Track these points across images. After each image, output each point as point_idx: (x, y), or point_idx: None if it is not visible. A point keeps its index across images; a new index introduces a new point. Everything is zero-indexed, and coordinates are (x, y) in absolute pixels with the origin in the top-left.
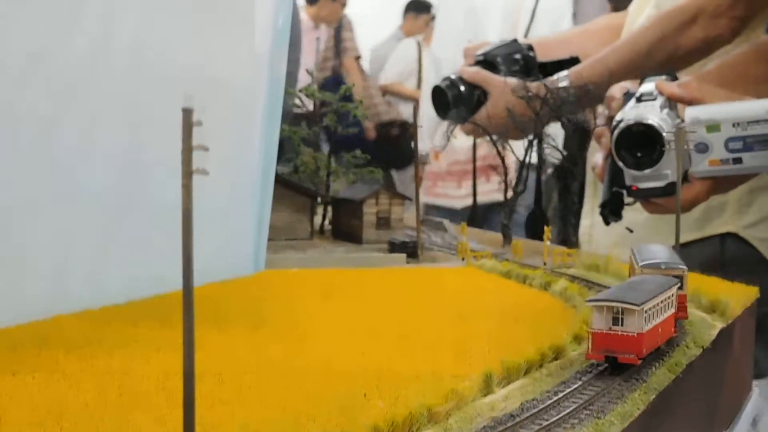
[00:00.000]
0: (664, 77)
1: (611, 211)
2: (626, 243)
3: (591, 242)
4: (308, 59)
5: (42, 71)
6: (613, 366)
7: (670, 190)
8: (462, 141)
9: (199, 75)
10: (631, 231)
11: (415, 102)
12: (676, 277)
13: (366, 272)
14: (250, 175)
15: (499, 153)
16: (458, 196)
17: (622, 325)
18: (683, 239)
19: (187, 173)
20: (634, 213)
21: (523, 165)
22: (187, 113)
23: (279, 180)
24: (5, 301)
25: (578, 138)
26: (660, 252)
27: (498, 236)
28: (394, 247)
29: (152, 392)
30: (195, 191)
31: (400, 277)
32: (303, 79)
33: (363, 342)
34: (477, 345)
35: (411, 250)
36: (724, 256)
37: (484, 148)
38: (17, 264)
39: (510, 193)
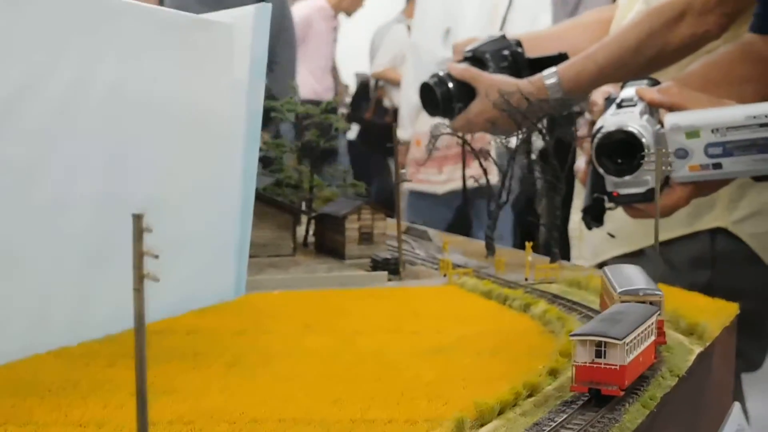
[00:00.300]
0: (645, 82)
1: (593, 217)
2: (616, 238)
3: (582, 238)
4: (325, 50)
5: (16, 117)
6: (597, 398)
7: (650, 195)
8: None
9: (179, 108)
10: (613, 236)
11: (394, 124)
12: (653, 303)
13: (345, 295)
14: (231, 201)
15: (479, 160)
16: (439, 182)
17: (604, 357)
18: (672, 235)
19: (139, 277)
20: (620, 213)
21: (505, 177)
22: (138, 219)
23: (261, 198)
24: None
25: (560, 152)
26: (635, 276)
27: (481, 246)
28: (377, 264)
29: None
30: (178, 215)
31: (379, 301)
32: (305, 82)
33: (338, 387)
34: (452, 384)
35: (393, 268)
36: (713, 251)
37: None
38: None
39: (492, 206)
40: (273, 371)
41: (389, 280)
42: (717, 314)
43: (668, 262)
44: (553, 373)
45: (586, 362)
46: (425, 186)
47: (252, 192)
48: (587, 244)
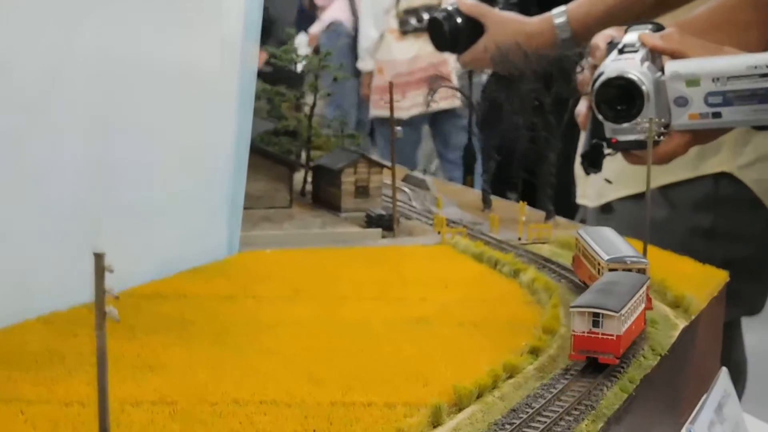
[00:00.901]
0: (648, 27)
1: (590, 163)
2: (619, 179)
3: (586, 178)
4: None
5: (3, 84)
6: (594, 365)
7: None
8: (403, 53)
9: (166, 68)
10: (610, 182)
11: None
12: (639, 271)
13: (336, 256)
14: (223, 159)
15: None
16: (404, 108)
17: (601, 327)
18: (677, 178)
19: (101, 315)
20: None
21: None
22: (99, 257)
23: (257, 150)
24: None
25: (558, 107)
26: (619, 243)
27: (477, 197)
28: (371, 221)
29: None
30: (168, 176)
31: (368, 263)
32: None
33: (320, 363)
34: (432, 361)
35: (387, 224)
36: (717, 195)
37: (424, 59)
38: None
39: (490, 161)
40: (258, 344)
41: (383, 237)
42: (705, 283)
43: (671, 204)
44: (535, 351)
45: (584, 332)
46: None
47: (246, 150)
48: (591, 184)
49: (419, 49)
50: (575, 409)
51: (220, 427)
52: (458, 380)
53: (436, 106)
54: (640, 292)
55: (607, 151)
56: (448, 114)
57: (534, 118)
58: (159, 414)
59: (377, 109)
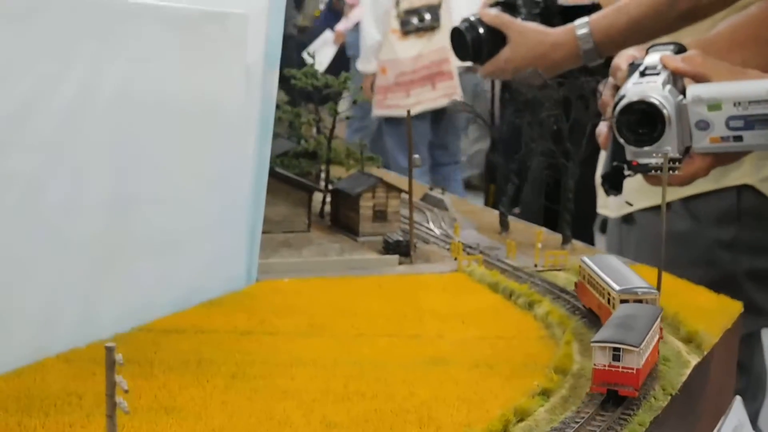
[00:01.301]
0: (671, 48)
1: (611, 185)
2: (642, 190)
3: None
4: None
5: (25, 129)
6: (614, 399)
7: (670, 165)
8: (406, 52)
9: (190, 104)
10: (631, 204)
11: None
12: (649, 302)
13: (353, 285)
14: (242, 190)
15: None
16: (406, 105)
17: (621, 361)
18: (699, 190)
19: (111, 405)
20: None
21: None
22: (110, 351)
23: (276, 175)
24: None
25: (574, 133)
26: (628, 273)
27: (495, 219)
28: (388, 247)
29: None
30: (188, 209)
31: (385, 295)
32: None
33: (334, 407)
34: (445, 405)
35: (404, 251)
36: (740, 207)
37: (427, 57)
38: (5, 313)
39: (509, 185)
40: (273, 386)
41: (400, 264)
42: (719, 315)
43: (694, 216)
44: (546, 392)
45: (604, 365)
46: (393, 111)
47: (265, 179)
48: (612, 198)
49: (422, 48)
50: None
51: None
52: (470, 425)
53: (438, 104)
54: (656, 324)
55: (627, 172)
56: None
57: (552, 144)
58: None
59: (381, 109)
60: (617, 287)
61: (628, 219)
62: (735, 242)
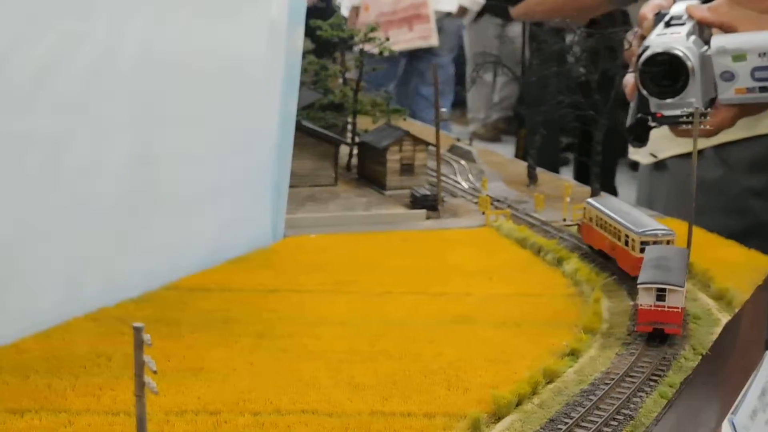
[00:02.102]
0: None
1: (635, 137)
2: (673, 138)
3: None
4: None
5: (47, 88)
6: (660, 336)
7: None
8: None
9: (213, 58)
10: (656, 157)
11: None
12: (669, 243)
13: (380, 241)
14: (268, 145)
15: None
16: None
17: (666, 301)
18: (732, 137)
19: (140, 385)
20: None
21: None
22: (138, 331)
23: (302, 128)
24: (20, 313)
25: (604, 86)
26: (636, 214)
27: (523, 170)
28: (416, 201)
29: None
30: (213, 165)
31: (412, 251)
32: None
33: (360, 368)
34: (473, 368)
35: (431, 205)
36: None
37: (407, 0)
38: (32, 275)
39: (536, 137)
40: (300, 346)
41: (427, 218)
42: (749, 271)
43: (726, 164)
44: (575, 353)
45: (651, 305)
46: (374, 48)
47: (291, 134)
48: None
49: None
50: (614, 419)
51: None
52: (498, 386)
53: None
54: (687, 265)
55: (652, 124)
56: (425, 52)
57: (580, 96)
58: (202, 425)
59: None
60: (638, 229)
61: (659, 165)
62: (767, 190)
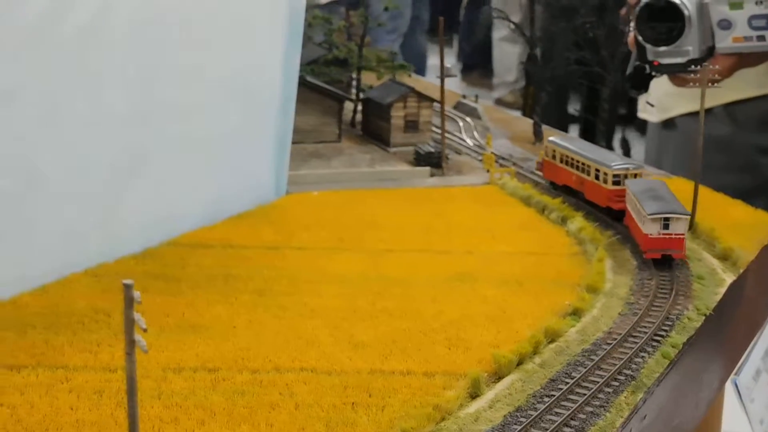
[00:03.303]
0: None
1: (633, 84)
2: (683, 93)
3: (648, 92)
4: None
5: (44, 42)
6: (666, 261)
7: (690, 66)
8: None
9: (213, 10)
10: (652, 105)
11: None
12: (637, 176)
13: (383, 198)
14: (270, 100)
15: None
16: None
17: (670, 229)
18: (741, 95)
19: (130, 342)
20: None
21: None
22: (128, 288)
23: (307, 84)
24: (19, 268)
25: (611, 42)
26: (602, 151)
27: (529, 127)
28: (420, 158)
29: (146, 399)
30: (214, 117)
31: (415, 208)
32: None
33: (361, 325)
34: (474, 325)
35: (436, 161)
36: None
37: None
38: (30, 229)
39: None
40: (300, 304)
41: (431, 176)
42: (755, 231)
43: (735, 121)
44: (578, 312)
45: (659, 233)
46: None
47: (294, 89)
48: (653, 98)
49: None
50: (615, 379)
51: (260, 398)
52: (500, 345)
53: None
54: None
55: (654, 73)
56: None
57: (587, 53)
58: (200, 382)
59: None
60: (610, 164)
61: (668, 124)
62: None
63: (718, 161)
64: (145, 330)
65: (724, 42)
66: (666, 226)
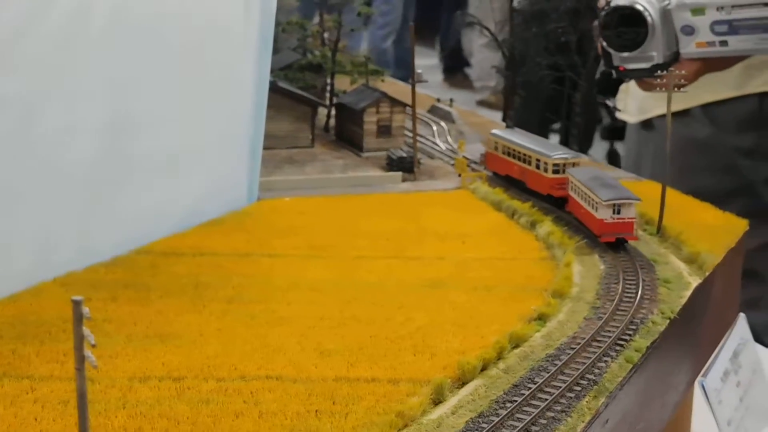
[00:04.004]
0: None
1: (600, 90)
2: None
3: (627, 92)
4: None
5: (16, 52)
6: (619, 244)
7: (655, 71)
8: None
9: (187, 19)
10: (619, 110)
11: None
12: (575, 165)
13: (356, 204)
14: (243, 107)
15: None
16: None
17: (619, 214)
18: (719, 96)
19: (80, 359)
20: None
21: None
22: (77, 305)
23: (280, 90)
24: None
25: (582, 46)
26: (543, 141)
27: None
28: (392, 163)
29: (111, 409)
30: (187, 128)
31: (387, 214)
32: None
33: (329, 333)
34: (441, 332)
35: (408, 167)
36: (761, 114)
37: None
38: (2, 239)
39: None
40: (270, 312)
41: (403, 181)
42: (723, 234)
43: (714, 123)
44: (543, 317)
45: (612, 218)
46: None
47: (265, 96)
48: (633, 98)
49: None
50: (577, 384)
51: (225, 407)
52: (465, 352)
53: None
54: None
55: (616, 77)
56: None
57: (559, 58)
58: (166, 391)
59: None
60: (550, 153)
61: (647, 125)
62: (755, 149)
63: (697, 162)
64: (93, 345)
65: (688, 47)
66: (618, 211)
